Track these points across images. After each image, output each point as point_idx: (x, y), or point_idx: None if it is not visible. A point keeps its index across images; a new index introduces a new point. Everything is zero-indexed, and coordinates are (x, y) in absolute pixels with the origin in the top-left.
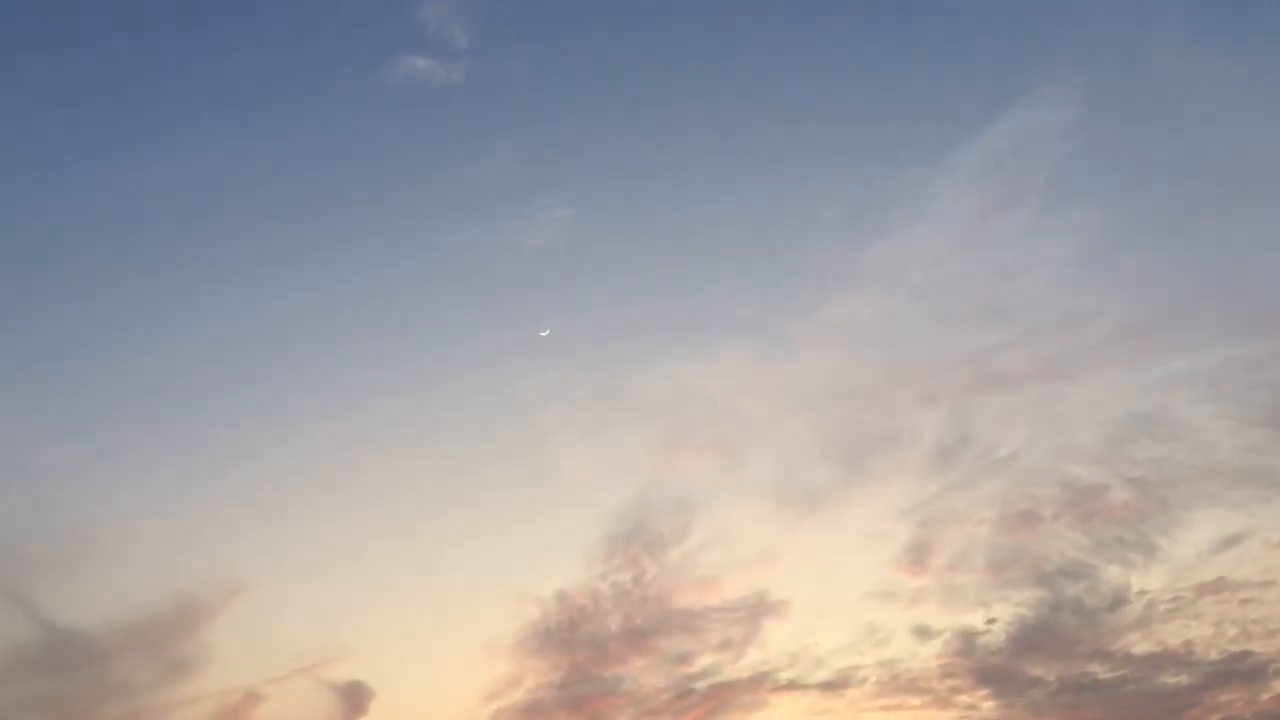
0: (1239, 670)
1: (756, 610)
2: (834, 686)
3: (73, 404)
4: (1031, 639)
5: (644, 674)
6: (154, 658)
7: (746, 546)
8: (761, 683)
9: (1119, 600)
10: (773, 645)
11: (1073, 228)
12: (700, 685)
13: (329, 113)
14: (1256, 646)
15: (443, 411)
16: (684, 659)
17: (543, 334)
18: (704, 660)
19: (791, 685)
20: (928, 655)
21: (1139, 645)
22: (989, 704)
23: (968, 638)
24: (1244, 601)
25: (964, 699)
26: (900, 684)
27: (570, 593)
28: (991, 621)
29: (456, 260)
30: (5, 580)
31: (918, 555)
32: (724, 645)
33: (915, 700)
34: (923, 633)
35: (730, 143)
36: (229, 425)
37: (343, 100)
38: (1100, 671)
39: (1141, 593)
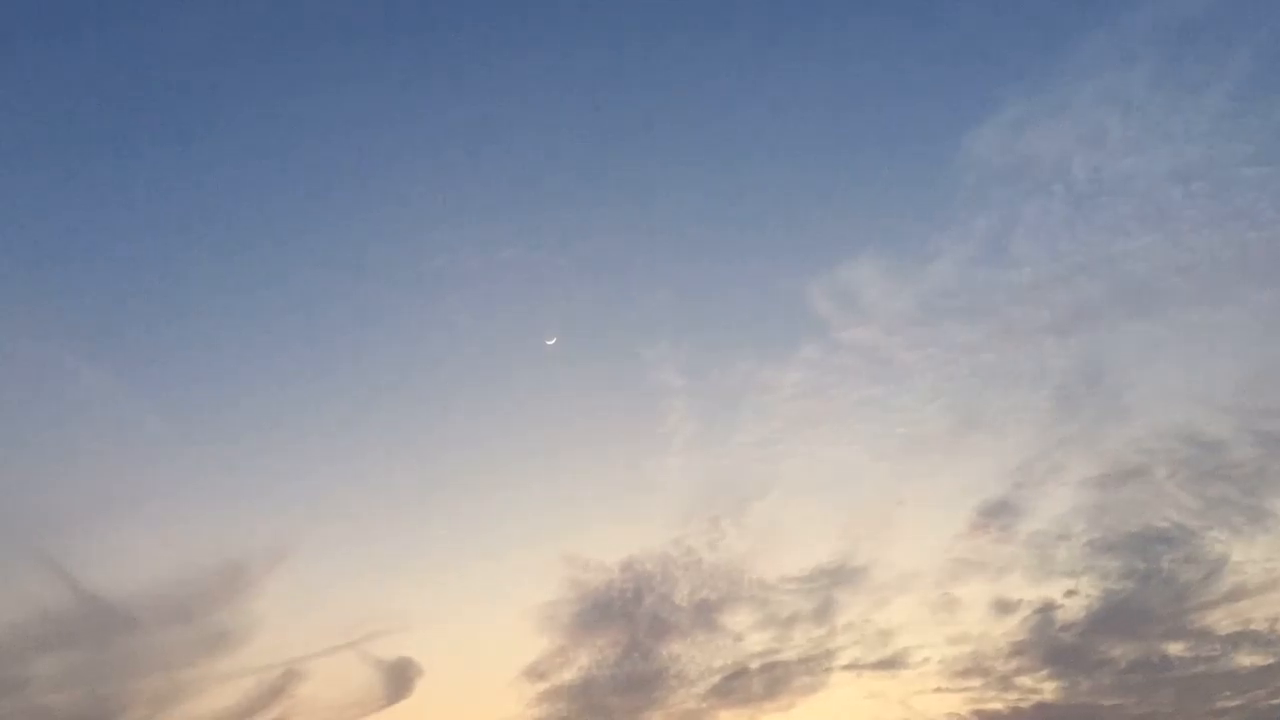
0: None
1: (833, 579)
2: (891, 666)
3: (128, 355)
4: (1110, 615)
5: (701, 652)
6: (194, 629)
7: (833, 503)
8: (820, 663)
9: (1212, 572)
10: (841, 619)
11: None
12: (755, 665)
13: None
14: None
15: (508, 351)
16: (743, 636)
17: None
18: (766, 637)
19: (851, 665)
20: (998, 633)
21: (1222, 623)
22: (1050, 685)
23: (1045, 611)
24: None
25: (1025, 681)
26: (963, 665)
27: (639, 559)
28: (1071, 594)
29: None
30: (41, 544)
31: (1011, 519)
32: (791, 619)
33: (974, 682)
34: (1000, 606)
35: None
36: (278, 385)
37: None
38: (1175, 650)
39: (1238, 564)
